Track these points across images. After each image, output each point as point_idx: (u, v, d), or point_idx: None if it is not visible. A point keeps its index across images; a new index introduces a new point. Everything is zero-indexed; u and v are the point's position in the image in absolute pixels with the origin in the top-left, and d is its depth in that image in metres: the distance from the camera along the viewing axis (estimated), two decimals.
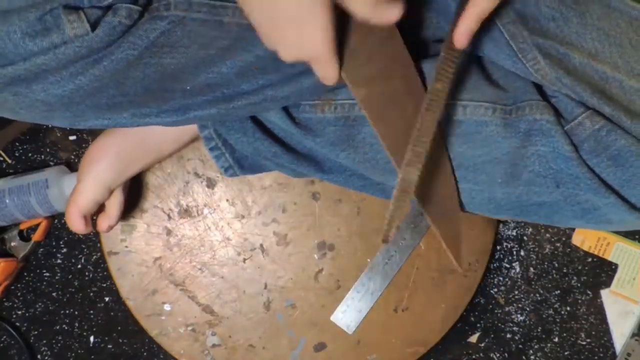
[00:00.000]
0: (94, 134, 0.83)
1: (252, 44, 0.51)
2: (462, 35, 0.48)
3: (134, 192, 0.77)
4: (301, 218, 0.78)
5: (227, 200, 0.79)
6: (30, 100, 0.49)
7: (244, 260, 0.79)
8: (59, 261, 0.84)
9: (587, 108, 0.54)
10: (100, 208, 0.68)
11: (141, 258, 0.79)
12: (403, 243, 0.79)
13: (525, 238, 0.86)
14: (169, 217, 0.79)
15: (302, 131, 0.60)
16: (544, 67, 0.53)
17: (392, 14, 0.43)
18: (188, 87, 0.53)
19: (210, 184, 0.78)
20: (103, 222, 0.68)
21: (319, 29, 0.42)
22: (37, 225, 0.81)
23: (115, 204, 0.67)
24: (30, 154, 0.84)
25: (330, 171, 0.64)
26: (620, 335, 0.86)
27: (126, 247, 0.78)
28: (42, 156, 0.83)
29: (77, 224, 0.64)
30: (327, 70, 0.46)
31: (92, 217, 0.67)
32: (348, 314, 0.79)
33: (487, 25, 0.54)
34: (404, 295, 0.80)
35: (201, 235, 0.79)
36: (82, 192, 0.64)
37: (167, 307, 0.79)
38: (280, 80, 0.55)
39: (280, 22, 0.42)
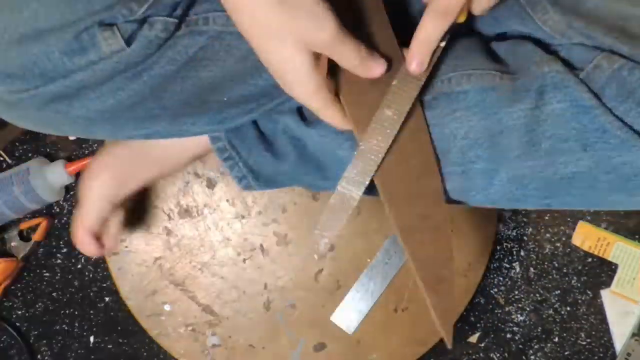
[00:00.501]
0: None
1: None
2: (412, 60, 0.47)
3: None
4: (301, 218, 0.78)
5: (227, 200, 0.78)
6: (71, 116, 0.50)
7: (244, 260, 0.79)
8: (59, 261, 0.84)
9: (600, 51, 0.47)
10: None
11: (141, 258, 0.78)
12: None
13: (525, 238, 0.86)
14: (169, 217, 0.78)
15: (310, 127, 0.59)
16: (552, 17, 0.48)
17: (377, 68, 0.45)
18: (225, 99, 0.53)
19: (210, 184, 0.78)
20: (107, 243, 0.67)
21: (312, 91, 0.43)
22: (37, 225, 0.81)
23: (115, 223, 0.67)
24: (30, 154, 0.83)
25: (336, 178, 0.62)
26: (620, 335, 0.86)
27: (126, 247, 0.78)
28: (42, 156, 0.83)
29: (88, 246, 0.64)
30: (330, 117, 0.46)
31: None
32: (348, 314, 0.79)
33: None
34: (403, 295, 0.79)
35: (201, 235, 0.79)
36: (87, 209, 0.63)
37: (167, 307, 0.79)
38: None
39: (273, 70, 0.43)
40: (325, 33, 0.41)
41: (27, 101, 0.48)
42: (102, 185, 0.63)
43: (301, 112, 0.60)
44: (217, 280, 0.79)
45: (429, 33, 0.45)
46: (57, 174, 0.78)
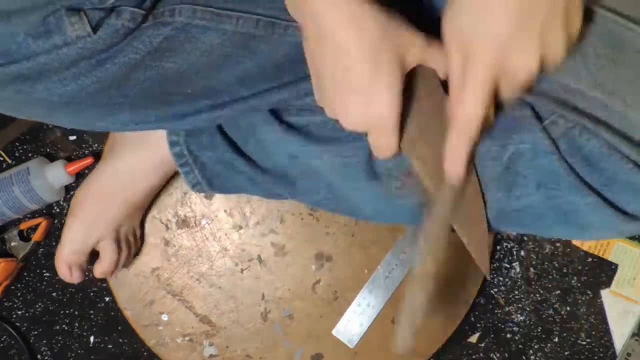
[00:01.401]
0: (95, 135, 0.83)
1: (254, 52, 0.51)
2: (454, 167, 0.46)
3: None
4: (299, 229, 0.78)
5: (225, 210, 0.78)
6: (33, 98, 0.49)
7: (242, 270, 0.78)
8: None
9: (560, 108, 0.51)
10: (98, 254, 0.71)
11: (139, 268, 0.78)
12: (404, 256, 0.78)
13: (525, 238, 0.86)
14: (167, 228, 0.78)
15: (287, 135, 0.59)
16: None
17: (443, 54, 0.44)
18: (189, 91, 0.53)
19: (208, 194, 0.78)
20: (96, 269, 0.71)
21: (390, 101, 0.42)
22: (37, 225, 0.81)
23: (107, 252, 0.70)
24: (30, 154, 0.83)
25: (303, 191, 0.63)
26: (620, 335, 0.85)
27: None
28: (54, 149, 0.83)
29: (62, 274, 0.69)
30: (387, 142, 0.45)
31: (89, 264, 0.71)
32: (349, 327, 0.78)
33: None
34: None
35: (199, 245, 0.78)
36: (63, 244, 0.68)
37: (164, 317, 0.78)
38: (280, 85, 0.55)
39: (347, 89, 0.42)
40: (419, 40, 0.43)
41: None
42: (78, 220, 0.68)
43: (276, 115, 0.60)
44: (215, 291, 0.78)
45: (456, 150, 0.45)
46: (57, 174, 0.78)
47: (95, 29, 0.46)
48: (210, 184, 0.67)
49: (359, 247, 0.78)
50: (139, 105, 0.53)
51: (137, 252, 0.78)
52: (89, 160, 0.79)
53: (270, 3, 0.46)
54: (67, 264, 0.68)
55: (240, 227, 0.78)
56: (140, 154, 0.68)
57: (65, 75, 0.48)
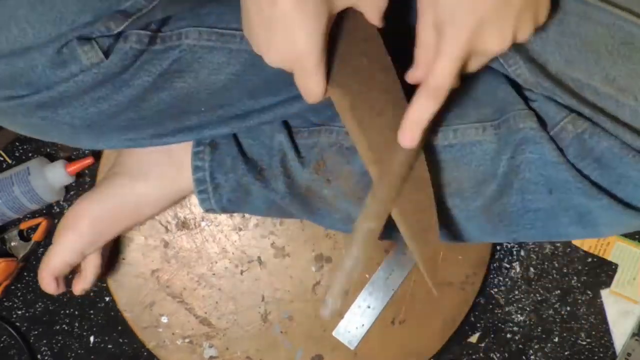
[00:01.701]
0: None
1: (261, 68, 0.52)
2: (404, 137, 0.47)
3: None
4: (299, 230, 0.77)
5: None
6: (57, 122, 0.53)
7: (242, 272, 0.78)
8: None
9: (569, 112, 0.53)
10: (77, 268, 0.70)
11: (139, 270, 0.78)
12: (404, 258, 0.78)
13: None
14: (167, 230, 0.78)
15: (298, 162, 0.62)
16: (524, 72, 0.53)
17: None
18: (202, 109, 0.56)
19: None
20: (77, 285, 0.70)
21: (312, 38, 0.43)
22: (37, 225, 0.81)
23: (90, 268, 0.69)
24: (30, 154, 0.83)
25: (320, 214, 0.64)
26: (620, 335, 0.85)
27: (123, 259, 0.78)
28: (42, 156, 0.83)
29: (46, 285, 0.67)
30: (312, 83, 0.46)
31: (68, 276, 0.69)
32: (350, 329, 0.78)
33: None
34: (401, 307, 0.78)
35: (199, 247, 0.78)
36: (53, 254, 0.67)
37: (164, 319, 0.78)
38: (290, 98, 0.57)
39: (271, 23, 0.42)
40: None
41: (15, 108, 0.51)
42: (73, 239, 0.66)
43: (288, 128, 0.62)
44: (215, 292, 0.78)
45: (420, 113, 0.46)
46: (57, 174, 0.77)
47: (106, 54, 0.49)
48: (223, 210, 0.68)
49: None
50: (156, 123, 0.56)
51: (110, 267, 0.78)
52: (89, 161, 0.79)
53: None
54: (54, 274, 0.67)
55: (240, 229, 0.78)
56: (149, 184, 0.68)
57: (84, 100, 0.51)
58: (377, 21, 0.47)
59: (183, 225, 0.78)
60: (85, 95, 0.51)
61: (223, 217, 0.78)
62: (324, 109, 0.61)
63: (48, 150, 0.83)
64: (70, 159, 0.81)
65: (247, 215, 0.77)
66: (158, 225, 0.78)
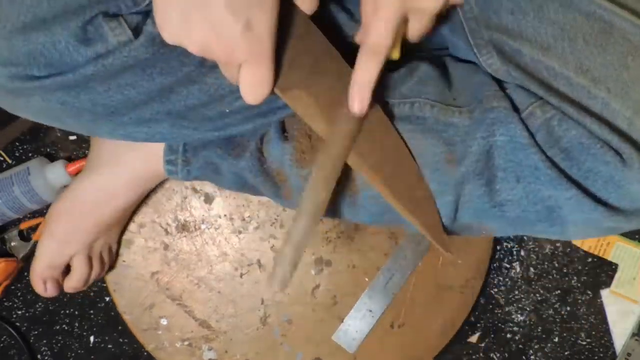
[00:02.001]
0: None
1: None
2: (354, 102, 0.47)
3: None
4: None
5: (225, 215, 0.77)
6: (77, 109, 0.49)
7: (241, 275, 0.78)
8: None
9: (538, 98, 0.52)
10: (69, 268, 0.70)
11: (138, 272, 0.78)
12: (404, 262, 0.78)
13: (525, 238, 0.86)
14: (167, 232, 0.77)
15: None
16: (496, 62, 0.53)
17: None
18: (227, 110, 0.54)
19: (208, 199, 0.77)
20: (66, 283, 0.70)
21: (271, 17, 0.41)
22: (37, 225, 0.81)
23: (78, 267, 0.69)
24: (30, 154, 0.83)
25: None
26: (620, 335, 0.85)
27: (123, 261, 0.77)
28: (54, 148, 0.83)
29: (36, 288, 0.68)
30: (263, 74, 0.43)
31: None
32: (349, 333, 0.78)
33: (451, 15, 0.55)
34: (400, 311, 0.78)
35: (198, 250, 0.78)
36: (35, 258, 0.68)
37: (163, 322, 0.78)
38: None
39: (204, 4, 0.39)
40: None
41: (33, 90, 0.47)
42: (50, 236, 0.67)
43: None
44: (214, 295, 0.78)
45: (364, 75, 0.47)
46: (57, 174, 0.77)
47: (136, 33, 0.46)
48: (189, 175, 0.65)
49: (358, 252, 0.78)
50: (178, 118, 0.53)
51: (111, 268, 0.77)
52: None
53: None
54: (41, 278, 0.68)
55: (240, 232, 0.77)
56: (112, 173, 0.67)
57: (110, 85, 0.48)
58: (309, 6, 0.47)
59: (183, 227, 0.78)
60: (111, 80, 0.47)
61: (223, 220, 0.77)
62: None
63: (48, 150, 0.83)
64: (70, 159, 0.81)
65: (247, 219, 0.77)
66: (158, 227, 0.78)
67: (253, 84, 0.44)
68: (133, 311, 0.78)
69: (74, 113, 0.50)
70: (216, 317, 0.78)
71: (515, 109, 0.53)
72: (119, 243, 0.77)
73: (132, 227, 0.78)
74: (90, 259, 0.71)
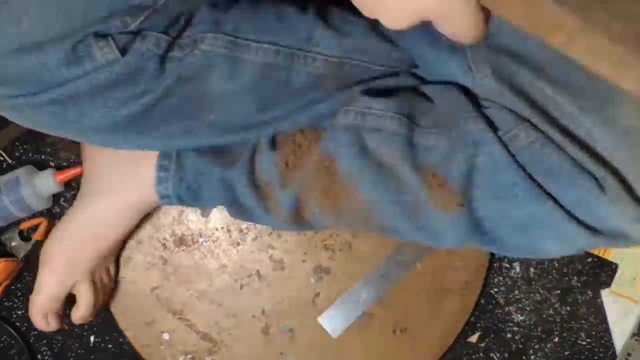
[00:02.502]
0: None
1: (273, 80, 0.54)
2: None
3: None
4: (296, 243, 0.77)
5: (222, 227, 0.77)
6: (66, 121, 0.52)
7: (241, 286, 0.78)
8: None
9: (521, 121, 0.54)
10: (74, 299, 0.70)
11: (138, 288, 0.78)
12: (402, 259, 0.78)
13: None
14: (165, 247, 0.77)
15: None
16: (490, 82, 0.54)
17: None
18: (212, 117, 0.56)
19: (205, 212, 0.77)
20: (73, 314, 0.70)
21: None
22: (37, 225, 0.81)
23: (83, 296, 0.69)
24: (30, 154, 0.83)
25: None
26: (620, 335, 0.85)
27: (123, 277, 0.77)
28: (42, 156, 0.83)
29: (38, 323, 0.67)
30: (471, 27, 0.39)
31: (66, 310, 0.70)
32: (335, 318, 0.78)
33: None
34: (401, 316, 0.78)
35: (197, 263, 0.78)
36: (35, 293, 0.67)
37: (165, 336, 0.78)
38: (295, 109, 0.57)
39: None
40: None
41: (23, 106, 0.49)
42: (49, 269, 0.66)
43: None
44: (215, 308, 0.78)
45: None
46: (46, 183, 0.77)
47: (123, 52, 0.48)
48: (179, 198, 0.66)
49: (357, 258, 0.77)
50: (166, 128, 0.56)
51: (112, 290, 0.77)
52: (78, 170, 0.78)
53: (293, 35, 0.47)
54: (42, 312, 0.67)
55: (238, 244, 0.77)
56: (107, 204, 0.67)
57: (96, 101, 0.50)
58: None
59: (181, 241, 0.78)
60: (97, 96, 0.50)
61: (220, 233, 0.77)
62: (322, 119, 0.60)
63: (48, 150, 0.83)
64: (60, 167, 0.81)
65: (244, 230, 0.77)
66: (156, 242, 0.77)
67: (462, 31, 0.40)
68: (134, 327, 0.78)
69: (63, 124, 0.52)
70: (218, 329, 0.78)
71: (494, 129, 0.54)
72: (117, 262, 0.77)
73: (130, 243, 0.77)
74: (94, 285, 0.70)
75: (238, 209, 0.65)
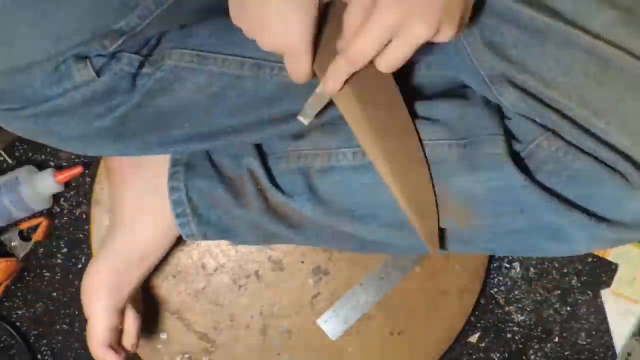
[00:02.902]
0: None
1: (240, 89, 0.57)
2: (333, 82, 0.49)
3: None
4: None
5: None
6: (47, 130, 0.56)
7: (240, 287, 0.77)
8: (59, 261, 0.84)
9: (544, 130, 0.54)
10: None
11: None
12: (401, 262, 0.77)
13: None
14: None
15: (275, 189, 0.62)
16: (508, 91, 0.54)
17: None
18: (185, 125, 0.58)
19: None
20: (126, 344, 0.68)
21: (305, 22, 0.45)
22: (37, 225, 0.81)
23: (129, 322, 0.68)
24: (30, 154, 0.84)
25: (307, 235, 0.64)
26: (620, 335, 0.85)
27: None
28: (42, 156, 0.83)
29: (103, 356, 0.65)
30: (300, 64, 0.48)
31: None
32: (335, 320, 0.77)
33: (458, 48, 0.56)
34: (399, 318, 0.78)
35: (196, 263, 0.77)
36: (92, 329, 0.65)
37: (163, 336, 0.77)
38: (267, 120, 0.59)
39: (268, 9, 0.45)
40: None
41: (10, 119, 0.55)
42: (100, 303, 0.65)
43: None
44: (213, 308, 0.77)
45: (339, 74, 0.48)
46: (46, 183, 0.77)
47: (98, 73, 0.52)
48: (205, 235, 0.67)
49: (355, 260, 0.77)
50: (141, 137, 0.59)
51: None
52: (78, 170, 0.78)
53: (258, 47, 0.49)
54: (105, 345, 0.65)
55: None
56: (133, 241, 0.67)
57: (75, 114, 0.54)
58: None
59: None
60: (75, 111, 0.54)
61: None
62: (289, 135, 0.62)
63: (48, 149, 0.83)
64: (60, 167, 0.81)
65: None
66: None
67: (292, 73, 0.49)
68: None
69: (45, 133, 0.57)
70: (215, 329, 0.77)
71: (516, 143, 0.56)
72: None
73: None
74: (135, 307, 0.70)
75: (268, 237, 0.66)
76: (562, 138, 0.54)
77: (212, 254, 0.77)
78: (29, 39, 0.49)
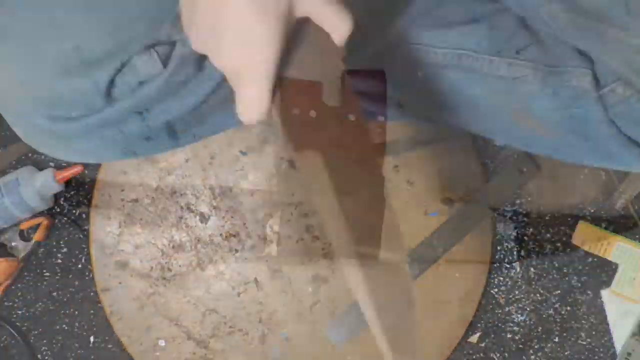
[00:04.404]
0: None
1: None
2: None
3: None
4: (295, 251, 0.76)
5: (221, 234, 0.77)
6: (116, 140, 0.50)
7: (239, 294, 0.77)
8: (59, 261, 0.84)
9: (619, 77, 0.55)
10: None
11: (135, 294, 0.77)
12: (411, 271, 0.77)
13: (525, 238, 0.86)
14: (163, 253, 0.77)
15: None
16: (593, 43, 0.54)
17: (344, 20, 0.38)
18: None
19: (204, 218, 0.77)
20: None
21: (270, 42, 0.36)
22: (37, 225, 0.81)
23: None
24: (30, 154, 0.84)
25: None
26: (620, 335, 0.85)
27: (120, 283, 0.77)
28: (43, 156, 0.84)
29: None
30: (256, 96, 0.38)
31: None
32: (342, 331, 0.77)
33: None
34: None
35: (195, 269, 0.77)
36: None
37: (161, 343, 0.77)
38: None
39: (225, 22, 0.36)
40: None
41: (74, 130, 0.48)
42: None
43: None
44: (212, 315, 0.77)
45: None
46: (46, 183, 0.77)
47: (164, 63, 0.47)
48: None
49: None
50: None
51: None
52: (77, 169, 0.78)
53: None
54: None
55: (236, 251, 0.77)
56: None
57: (147, 114, 0.49)
58: (339, 42, 0.40)
59: (179, 247, 0.77)
60: (150, 109, 0.49)
61: (219, 239, 0.77)
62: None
63: (43, 157, 0.83)
64: (59, 167, 0.81)
65: (242, 237, 0.76)
66: (154, 248, 0.77)
67: (242, 103, 0.39)
68: (130, 333, 0.77)
69: (113, 145, 0.51)
70: (214, 337, 0.77)
71: (596, 86, 0.56)
72: None
73: (128, 248, 0.77)
74: None
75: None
76: (635, 87, 0.54)
77: (211, 261, 0.77)
78: (87, 34, 0.44)
